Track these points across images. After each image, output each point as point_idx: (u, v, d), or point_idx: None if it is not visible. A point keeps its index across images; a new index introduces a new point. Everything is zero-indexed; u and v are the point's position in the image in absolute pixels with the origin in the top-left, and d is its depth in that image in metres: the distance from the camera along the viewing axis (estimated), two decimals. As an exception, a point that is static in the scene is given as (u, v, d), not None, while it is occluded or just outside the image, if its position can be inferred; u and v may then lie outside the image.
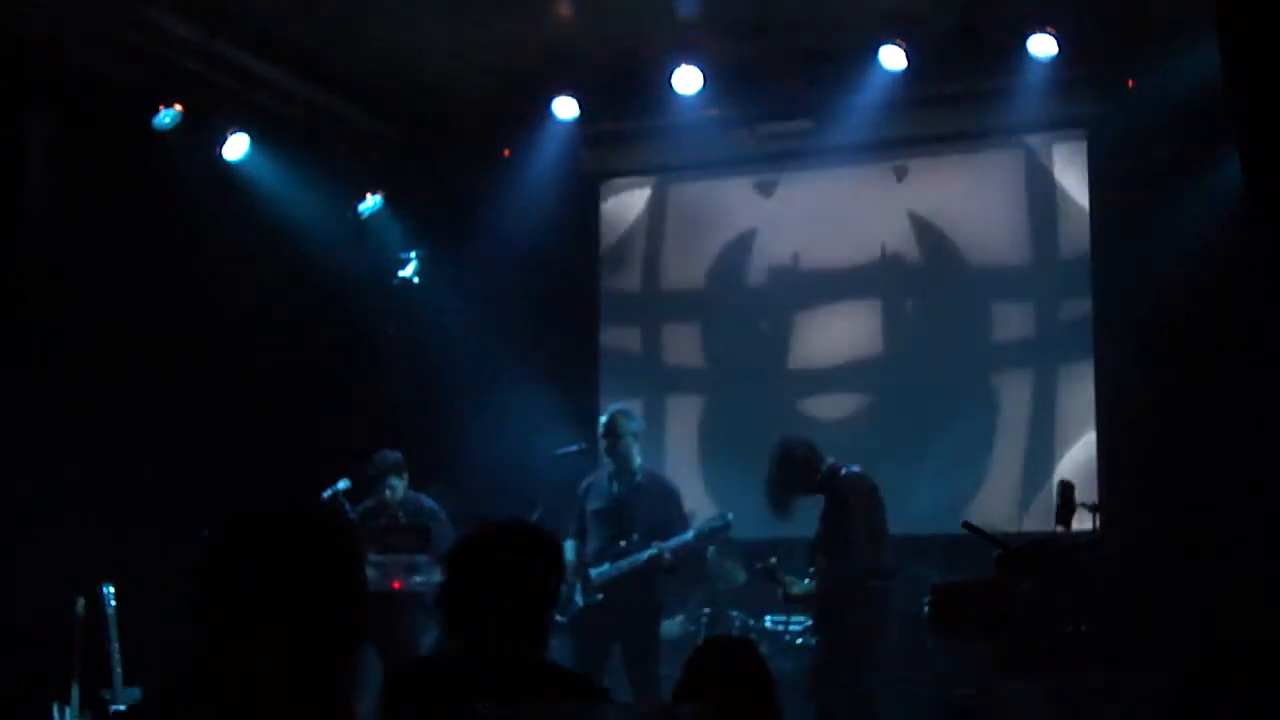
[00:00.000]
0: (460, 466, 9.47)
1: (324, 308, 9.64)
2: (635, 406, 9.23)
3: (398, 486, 8.53)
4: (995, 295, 9.64)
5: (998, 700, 6.74)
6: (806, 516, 7.84)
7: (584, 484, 8.46)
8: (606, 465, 8.40)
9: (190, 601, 2.19)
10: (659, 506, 8.22)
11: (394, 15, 8.56)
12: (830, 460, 7.71)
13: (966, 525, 6.41)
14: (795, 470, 7.64)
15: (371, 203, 10.04)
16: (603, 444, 8.37)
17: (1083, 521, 7.35)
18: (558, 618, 8.27)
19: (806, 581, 7.61)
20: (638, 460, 8.36)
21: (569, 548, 8.39)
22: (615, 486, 8.32)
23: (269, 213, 9.31)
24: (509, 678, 3.26)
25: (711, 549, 8.95)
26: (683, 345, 10.42)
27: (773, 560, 7.72)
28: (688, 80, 9.15)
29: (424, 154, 10.15)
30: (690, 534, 8.15)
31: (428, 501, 8.66)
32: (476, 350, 9.67)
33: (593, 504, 8.35)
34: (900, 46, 8.75)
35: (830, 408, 9.64)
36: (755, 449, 8.09)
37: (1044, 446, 9.36)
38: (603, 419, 8.38)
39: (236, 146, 9.21)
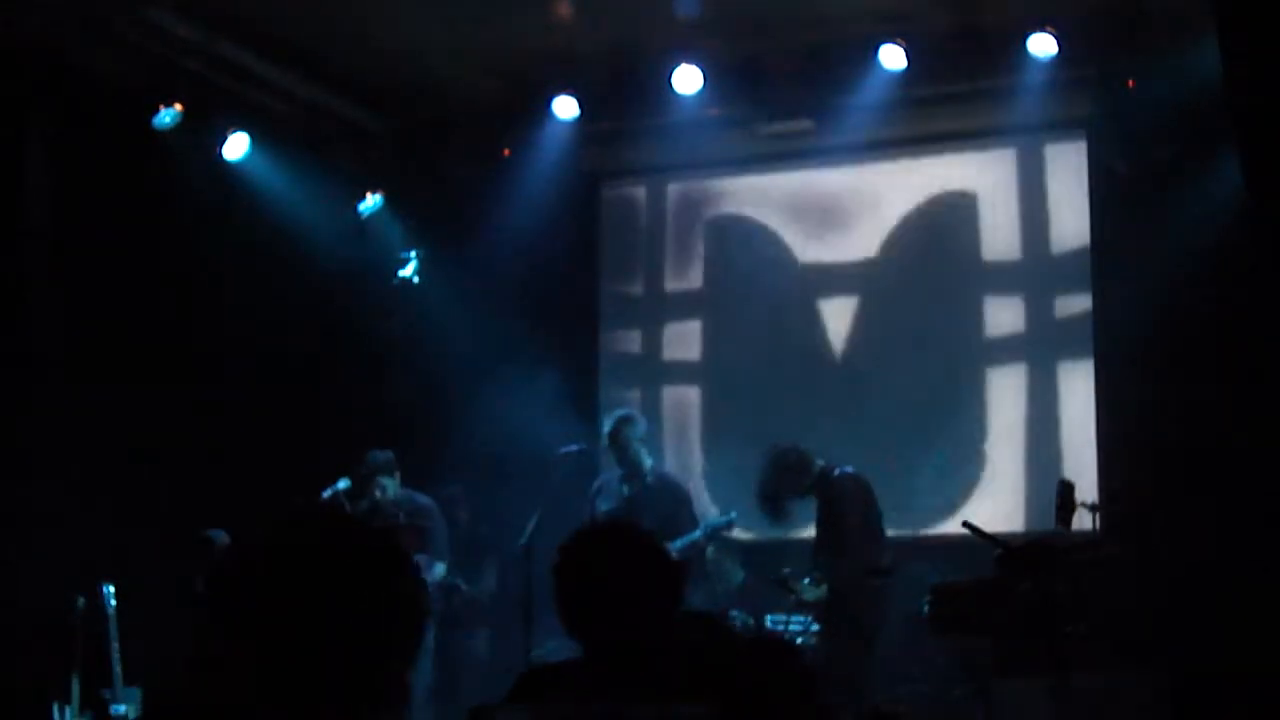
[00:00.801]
0: (460, 466, 9.47)
1: (324, 308, 9.64)
2: (635, 405, 9.24)
3: (388, 486, 8.53)
4: (995, 295, 9.64)
5: (998, 700, 6.74)
6: (805, 516, 7.86)
7: (594, 485, 8.47)
8: (616, 467, 8.42)
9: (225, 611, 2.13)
10: (669, 508, 8.23)
11: (394, 15, 8.56)
12: (821, 463, 7.73)
13: (966, 525, 6.42)
14: (787, 475, 7.68)
15: (371, 202, 10.04)
16: (610, 454, 8.38)
17: (1083, 521, 7.36)
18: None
19: (807, 582, 7.63)
20: (648, 462, 8.38)
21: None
22: (626, 488, 8.34)
23: (269, 213, 9.30)
24: (628, 678, 3.29)
25: (710, 548, 8.95)
26: (682, 344, 10.42)
27: (786, 571, 7.77)
28: (688, 80, 9.15)
29: (424, 154, 10.15)
30: (697, 533, 8.16)
31: (421, 499, 8.65)
32: (476, 350, 9.66)
33: (603, 505, 8.36)
34: (900, 46, 8.74)
35: (830, 406, 9.63)
36: (755, 447, 8.10)
37: (1044, 446, 9.35)
38: (605, 428, 8.37)
39: (236, 146, 9.21)
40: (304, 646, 2.09)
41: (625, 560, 3.43)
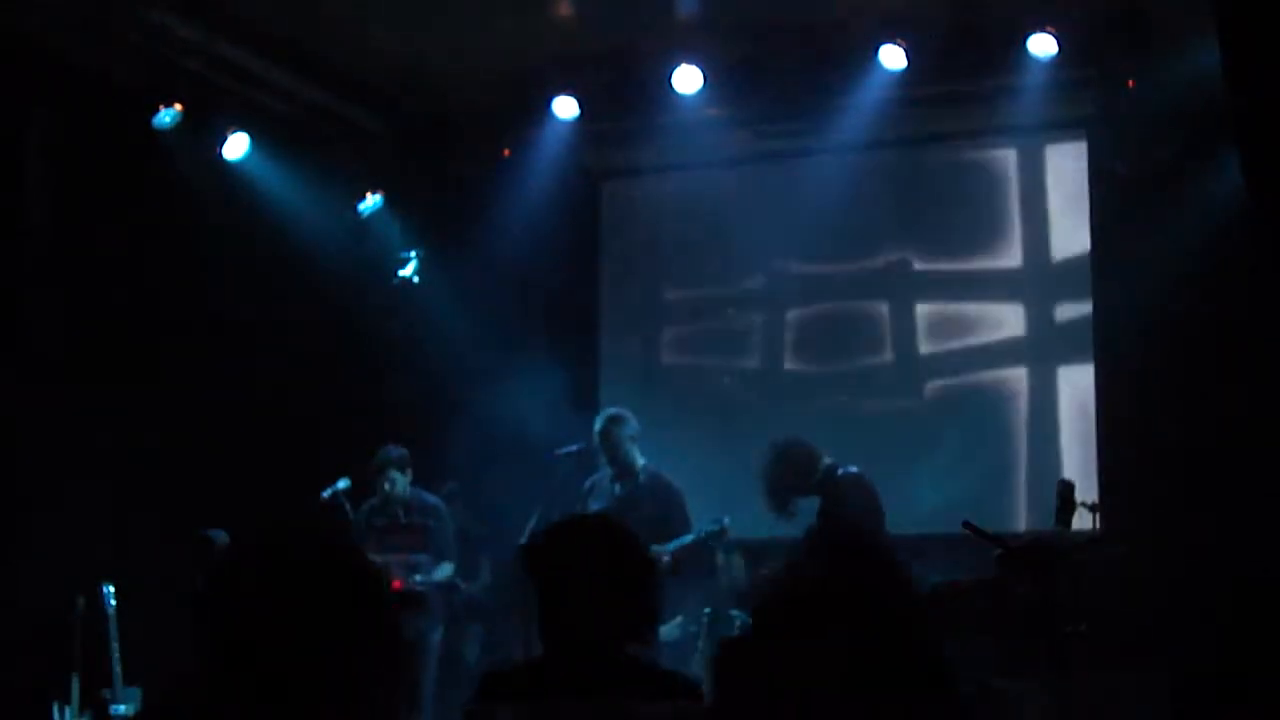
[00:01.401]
0: (460, 466, 9.47)
1: (324, 307, 9.64)
2: (635, 406, 9.23)
3: (397, 480, 8.55)
4: (995, 295, 9.64)
5: (998, 700, 6.73)
6: (805, 515, 7.84)
7: (587, 484, 8.47)
8: (609, 466, 8.42)
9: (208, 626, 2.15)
10: (661, 507, 8.23)
11: (394, 15, 8.56)
12: (828, 460, 7.70)
13: (966, 525, 6.41)
14: (791, 471, 7.65)
15: (371, 203, 10.04)
16: (601, 454, 8.38)
17: (1083, 521, 7.35)
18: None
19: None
20: (640, 461, 8.37)
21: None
22: (618, 487, 8.33)
23: (269, 213, 9.30)
24: (594, 676, 3.26)
25: (720, 547, 8.96)
26: (683, 344, 10.42)
27: (764, 571, 7.77)
28: (688, 80, 9.14)
29: (424, 154, 10.15)
30: (689, 536, 8.16)
31: (430, 498, 8.67)
32: (476, 350, 9.67)
33: (595, 505, 8.36)
34: (900, 46, 8.74)
35: (830, 407, 9.63)
36: (757, 448, 8.08)
37: (1044, 446, 9.35)
38: (596, 427, 8.37)
39: (236, 146, 9.20)
40: (295, 651, 2.10)
41: (588, 559, 3.36)
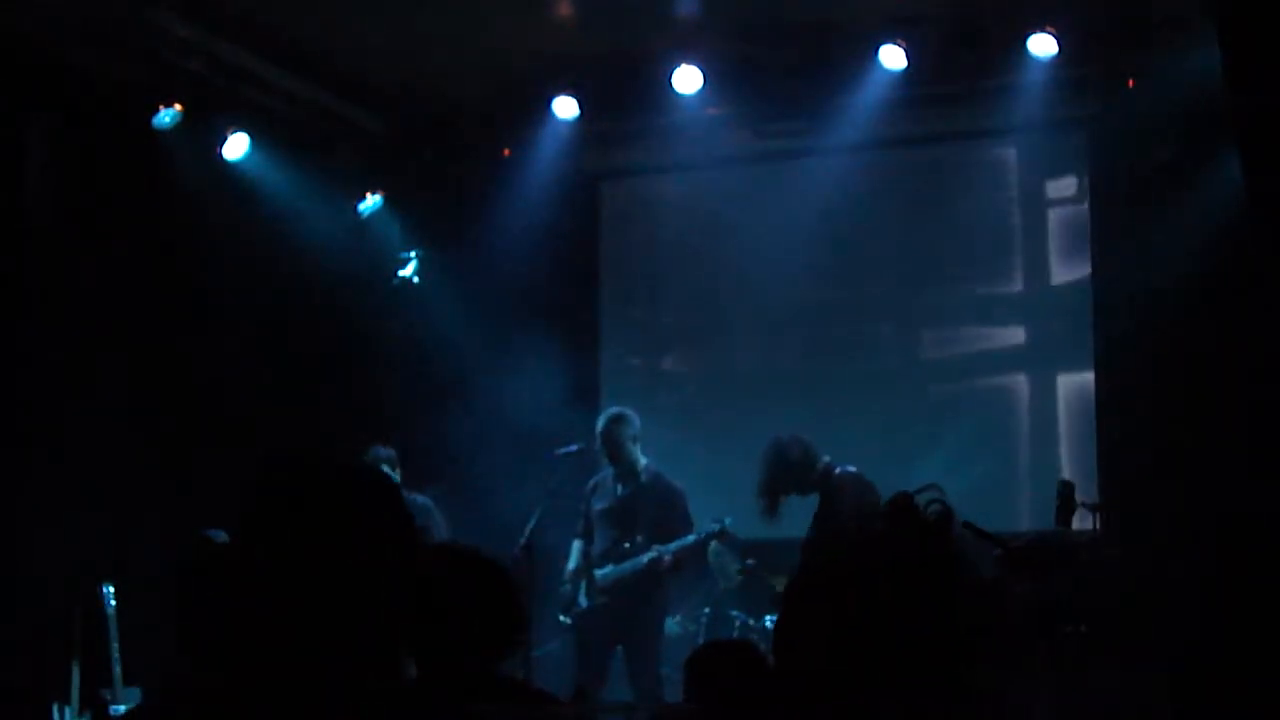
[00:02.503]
0: (459, 467, 9.47)
1: (324, 307, 9.64)
2: (636, 406, 9.25)
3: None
4: (995, 295, 9.64)
5: (998, 700, 6.72)
6: (803, 515, 7.84)
7: (590, 483, 8.48)
8: (611, 466, 8.42)
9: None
10: (663, 508, 8.24)
11: (394, 15, 8.56)
12: (825, 459, 7.70)
13: (966, 525, 6.40)
14: (789, 469, 7.65)
15: (371, 203, 10.05)
16: (602, 454, 8.38)
17: (1083, 521, 7.35)
18: (562, 619, 8.34)
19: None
20: (642, 461, 8.38)
21: (575, 548, 8.41)
22: (620, 487, 8.34)
23: (269, 212, 9.31)
24: (468, 696, 3.29)
25: (713, 545, 8.96)
26: (683, 344, 10.42)
27: (749, 562, 7.80)
28: (688, 80, 9.15)
29: (424, 154, 10.15)
30: (691, 536, 8.16)
31: (420, 498, 8.68)
32: (476, 350, 9.67)
33: (598, 504, 8.37)
34: (900, 46, 8.75)
35: (829, 409, 9.63)
36: (756, 450, 8.09)
37: (1044, 446, 9.35)
38: (598, 427, 8.37)
39: (236, 146, 9.20)
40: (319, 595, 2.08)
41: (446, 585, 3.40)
